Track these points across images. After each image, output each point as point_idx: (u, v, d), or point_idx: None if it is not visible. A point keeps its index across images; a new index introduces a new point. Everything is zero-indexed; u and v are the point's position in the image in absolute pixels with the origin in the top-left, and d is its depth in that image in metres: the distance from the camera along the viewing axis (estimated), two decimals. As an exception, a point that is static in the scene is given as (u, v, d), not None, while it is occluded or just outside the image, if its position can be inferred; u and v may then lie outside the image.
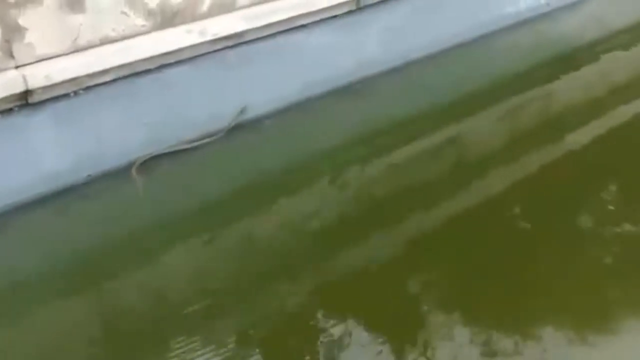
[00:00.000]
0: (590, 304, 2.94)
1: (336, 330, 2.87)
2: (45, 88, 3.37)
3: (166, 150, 3.75)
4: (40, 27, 3.32)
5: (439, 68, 4.65)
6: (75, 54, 3.46)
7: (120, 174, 3.67)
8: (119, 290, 3.12)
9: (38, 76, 3.33)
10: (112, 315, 3.00)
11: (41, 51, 3.36)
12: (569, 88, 4.65)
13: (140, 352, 2.83)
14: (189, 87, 3.86)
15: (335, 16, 4.25)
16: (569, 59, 4.88)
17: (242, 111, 3.96)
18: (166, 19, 3.68)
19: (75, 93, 3.52)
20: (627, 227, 3.36)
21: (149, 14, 3.61)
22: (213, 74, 3.90)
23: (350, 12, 4.31)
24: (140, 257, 3.24)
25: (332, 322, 2.91)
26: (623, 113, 4.30)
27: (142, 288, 3.11)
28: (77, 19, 3.43)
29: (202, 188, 3.64)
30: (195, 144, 3.83)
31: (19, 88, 3.28)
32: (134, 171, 3.62)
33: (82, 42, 3.48)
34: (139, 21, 3.60)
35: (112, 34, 3.55)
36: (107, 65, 3.52)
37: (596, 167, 3.84)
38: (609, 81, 4.77)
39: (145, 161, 3.68)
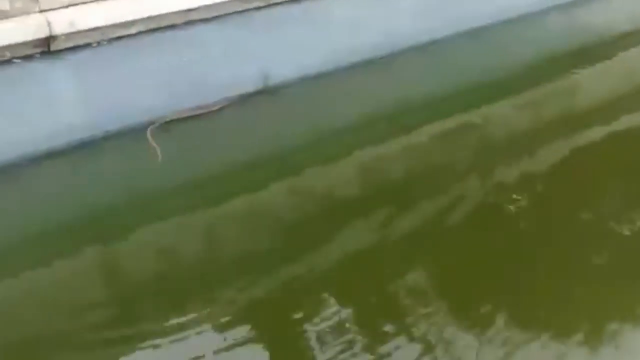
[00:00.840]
0: (590, 306, 2.88)
1: (331, 316, 2.78)
2: (68, 35, 3.23)
3: (185, 115, 3.67)
4: (67, -28, 3.18)
5: (468, 48, 4.57)
6: (102, 1, 3.32)
7: (137, 132, 3.59)
8: (123, 248, 3.05)
9: (62, 22, 3.19)
10: (114, 271, 2.96)
11: (67, -3, 3.22)
12: (593, 80, 4.57)
13: (142, 310, 2.77)
14: (214, 48, 3.75)
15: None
16: (598, 50, 4.80)
17: (265, 77, 3.85)
18: (196, -26, 3.53)
19: (99, 43, 3.39)
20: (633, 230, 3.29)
21: (180, -34, 3.47)
22: (239, 36, 3.79)
23: (381, -17, 4.18)
24: (148, 217, 3.17)
25: (325, 307, 2.82)
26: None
27: (147, 247, 3.05)
28: (104, -34, 3.29)
29: (217, 154, 3.56)
30: (214, 108, 3.73)
31: (42, 33, 3.14)
32: (149, 134, 3.52)
33: (107, -10, 3.33)
34: (168, -27, 3.46)
35: (140, -15, 3.41)
36: (133, 17, 3.38)
37: (614, 165, 3.77)
38: (634, 75, 4.68)
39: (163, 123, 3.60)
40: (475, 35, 4.64)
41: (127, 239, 3.08)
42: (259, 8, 3.77)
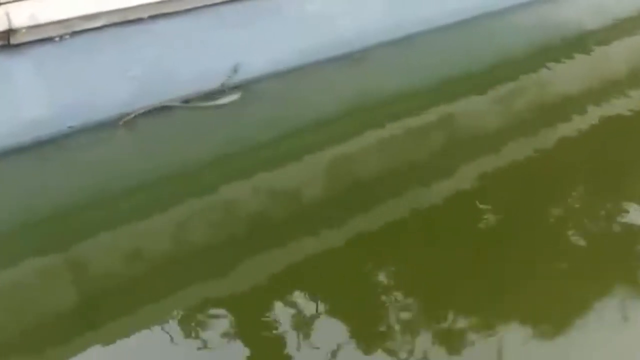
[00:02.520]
0: (562, 303, 2.86)
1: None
2: (29, 28, 3.15)
3: (152, 108, 3.58)
4: (28, -37, 3.09)
5: (439, 44, 4.55)
6: (64, -6, 3.23)
7: (103, 127, 3.52)
8: (88, 246, 2.98)
9: (22, 15, 3.11)
10: (81, 271, 2.89)
11: (27, -12, 3.13)
12: (566, 74, 4.59)
13: (110, 308, 2.72)
14: (182, 42, 3.69)
15: (338, -20, 4.07)
16: (570, 44, 4.82)
17: (235, 71, 3.79)
18: (163, -34, 3.46)
19: (61, 37, 3.30)
20: (611, 223, 3.31)
21: (146, -42, 3.40)
22: (208, 30, 3.73)
23: (353, -23, 4.14)
24: (114, 214, 3.12)
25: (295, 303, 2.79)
26: (618, 104, 4.25)
27: (112, 245, 2.98)
28: (68, -44, 3.20)
29: (184, 150, 3.49)
30: (178, 103, 3.67)
31: (1, 26, 3.05)
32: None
33: (71, -18, 3.24)
34: (134, -35, 3.38)
35: (104, -23, 3.33)
36: (98, 9, 3.31)
37: (585, 161, 3.78)
38: (607, 69, 4.72)
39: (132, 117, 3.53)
40: (447, 31, 4.62)
41: (93, 236, 3.01)
42: (229, 2, 3.71)
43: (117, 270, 2.86)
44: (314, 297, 2.79)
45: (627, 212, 3.35)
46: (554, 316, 2.77)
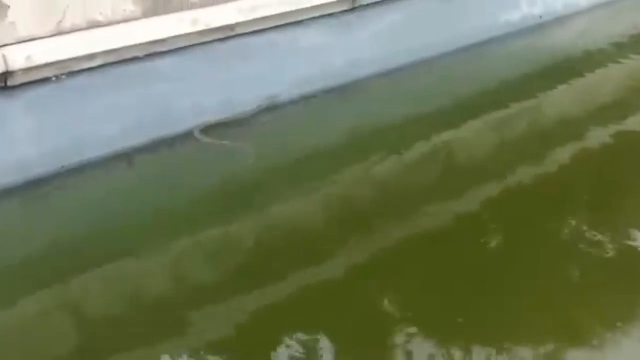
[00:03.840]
0: (561, 321, 2.87)
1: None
2: (25, 70, 3.18)
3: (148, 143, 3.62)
4: (24, 8, 3.14)
5: (430, 74, 4.61)
6: (60, 36, 3.28)
7: (99, 165, 3.53)
8: (85, 285, 2.98)
9: (19, 57, 3.14)
10: (75, 310, 2.89)
11: (24, 32, 3.18)
12: (557, 101, 4.64)
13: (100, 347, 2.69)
14: (176, 79, 3.72)
15: (330, 15, 4.14)
16: (559, 72, 4.88)
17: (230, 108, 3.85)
18: (158, 6, 3.52)
19: (58, 78, 3.34)
20: (606, 245, 3.32)
21: (140, -1, 3.45)
22: (203, 67, 3.77)
23: (345, 12, 4.20)
24: (109, 252, 3.09)
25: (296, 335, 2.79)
26: (608, 128, 4.29)
27: (109, 284, 2.98)
28: (64, 1, 3.25)
29: (182, 187, 3.50)
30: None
31: (-2, 69, 3.09)
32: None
33: (67, 24, 3.29)
34: (129, 6, 3.44)
35: (100, 18, 3.38)
36: (92, 50, 3.35)
37: (579, 183, 3.81)
38: (596, 96, 4.77)
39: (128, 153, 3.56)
40: (438, 62, 4.68)
41: (87, 276, 3.00)
42: (223, 39, 3.75)
43: (111, 311, 2.84)
44: (313, 337, 2.79)
45: (627, 235, 3.37)
46: (556, 340, 2.78)
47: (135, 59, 3.52)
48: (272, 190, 3.55)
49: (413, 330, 2.80)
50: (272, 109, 4.02)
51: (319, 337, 2.74)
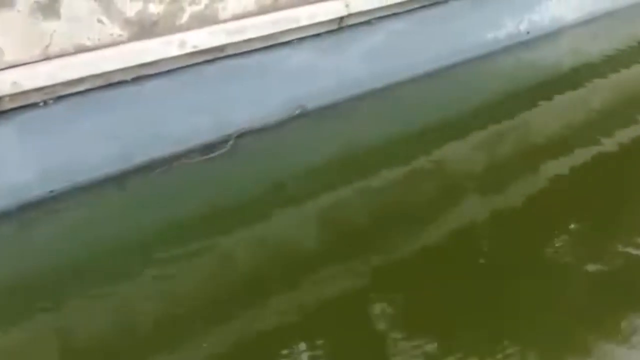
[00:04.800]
0: (557, 338, 2.86)
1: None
2: (12, 96, 3.18)
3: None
4: (10, 33, 3.14)
5: (419, 92, 4.63)
6: (47, 61, 3.27)
7: (89, 189, 3.54)
8: (75, 309, 2.97)
9: (5, 83, 3.14)
10: (65, 335, 2.87)
11: (10, 57, 3.18)
12: (547, 116, 4.65)
13: None
14: (165, 102, 3.73)
15: (317, 35, 4.16)
16: (548, 88, 4.89)
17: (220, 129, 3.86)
18: (144, 29, 3.53)
19: (45, 103, 3.34)
20: (602, 262, 3.31)
21: (127, 23, 3.46)
22: (191, 89, 3.77)
23: (332, 32, 4.22)
24: (102, 278, 3.10)
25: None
26: (598, 143, 4.29)
27: (100, 308, 2.97)
28: (51, 25, 3.26)
29: (172, 207, 3.51)
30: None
31: (-15, 96, 3.09)
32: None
33: (54, 49, 3.30)
34: (116, 30, 3.44)
35: (87, 43, 3.38)
36: (80, 75, 3.34)
37: (571, 198, 3.80)
38: (584, 111, 4.78)
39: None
40: (425, 80, 4.71)
41: (75, 301, 3.01)
42: (211, 61, 3.77)
43: (103, 336, 2.83)
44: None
45: (619, 249, 3.36)
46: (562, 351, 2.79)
47: (123, 82, 3.52)
48: (264, 210, 3.54)
49: (406, 344, 2.79)
50: (261, 129, 4.04)
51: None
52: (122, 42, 3.47)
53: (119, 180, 3.65)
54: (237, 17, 3.81)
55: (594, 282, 3.18)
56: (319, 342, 2.83)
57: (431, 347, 2.79)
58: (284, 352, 2.77)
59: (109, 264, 3.16)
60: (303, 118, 4.18)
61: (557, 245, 3.42)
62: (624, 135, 4.36)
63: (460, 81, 4.80)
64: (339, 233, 3.44)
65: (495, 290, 3.07)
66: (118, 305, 2.99)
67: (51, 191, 3.44)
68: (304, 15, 4.02)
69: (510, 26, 5.12)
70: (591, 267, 3.26)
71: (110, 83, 3.48)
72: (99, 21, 3.38)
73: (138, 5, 3.47)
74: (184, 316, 2.91)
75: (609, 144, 4.25)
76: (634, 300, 3.07)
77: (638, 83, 5.13)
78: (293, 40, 4.06)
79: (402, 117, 4.39)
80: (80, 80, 3.36)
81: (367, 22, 4.38)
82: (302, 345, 2.81)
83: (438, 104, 4.54)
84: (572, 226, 3.57)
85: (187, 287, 3.09)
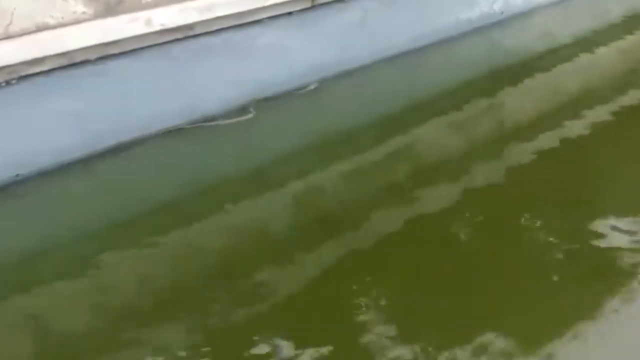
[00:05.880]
0: (532, 317, 2.85)
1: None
2: (-28, 76, 3.07)
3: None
4: (-33, 10, 3.03)
5: (393, 73, 4.60)
6: (8, 40, 3.16)
7: (55, 173, 3.45)
8: (43, 296, 2.90)
9: (-35, 63, 3.03)
10: (32, 322, 2.78)
11: (-32, 36, 3.06)
12: (520, 98, 4.64)
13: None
14: (132, 82, 3.63)
15: (289, 13, 4.08)
16: (521, 68, 4.88)
17: (190, 111, 3.78)
18: (110, 7, 3.42)
19: (8, 83, 3.22)
20: (571, 242, 3.30)
21: (91, 0, 3.35)
22: (159, 69, 3.68)
23: (305, 10, 4.15)
24: (66, 262, 3.04)
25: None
26: (570, 124, 4.30)
27: (67, 293, 2.90)
28: (11, 3, 3.14)
29: (140, 192, 3.46)
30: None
31: (-58, 75, 2.97)
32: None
33: (15, 28, 3.18)
34: (80, 8, 3.34)
35: (50, 21, 3.27)
36: (43, 54, 3.23)
37: (542, 180, 3.79)
38: (558, 91, 4.78)
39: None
40: (399, 60, 4.67)
41: (41, 287, 2.93)
42: (177, 40, 3.67)
43: (71, 322, 2.76)
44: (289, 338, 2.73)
45: (595, 229, 3.36)
46: (531, 333, 2.76)
47: (87, 62, 3.42)
48: (235, 193, 3.48)
49: (383, 332, 2.76)
50: (234, 111, 3.96)
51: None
52: (87, 20, 3.37)
53: (86, 163, 3.56)
54: (206, -5, 3.72)
55: (563, 263, 3.16)
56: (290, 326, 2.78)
57: (406, 331, 2.76)
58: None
59: (74, 249, 3.09)
60: (274, 101, 4.11)
61: (527, 227, 3.39)
62: (600, 114, 4.36)
63: (434, 62, 4.77)
64: (311, 218, 3.39)
65: (467, 272, 3.04)
66: (84, 290, 2.91)
67: (17, 175, 3.33)
68: (276, -7, 3.95)
69: (485, 6, 5.09)
70: (561, 248, 3.24)
71: (74, 62, 3.38)
72: (62, -2, 3.27)
73: (103, -18, 3.37)
74: (153, 301, 2.86)
75: (584, 124, 4.25)
76: (604, 280, 3.07)
77: (610, 63, 5.14)
78: (264, 18, 3.98)
79: (375, 98, 4.35)
80: (42, 60, 3.25)
81: (340, 1, 4.31)
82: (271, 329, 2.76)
83: (411, 85, 4.52)
84: (543, 208, 3.55)
85: (156, 271, 3.02)
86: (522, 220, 3.41)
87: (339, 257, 3.12)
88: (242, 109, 4.01)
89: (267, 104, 4.10)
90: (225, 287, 2.94)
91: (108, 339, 2.69)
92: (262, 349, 2.64)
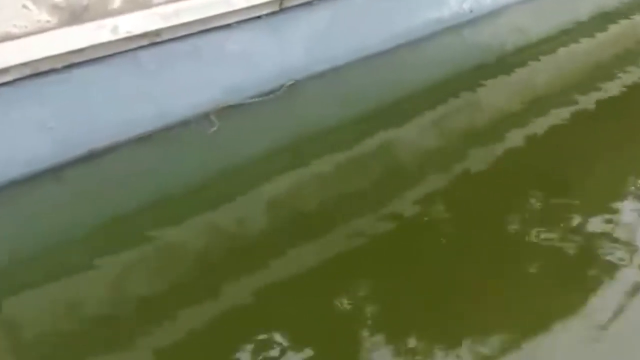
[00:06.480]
0: (517, 312, 2.91)
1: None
2: None
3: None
4: None
5: (364, 74, 4.60)
6: (-31, 51, 3.13)
7: (24, 183, 3.42)
8: (14, 306, 2.90)
9: None
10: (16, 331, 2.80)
11: None
12: (493, 95, 4.66)
13: None
14: (99, 90, 3.61)
15: (258, 17, 4.07)
16: (492, 66, 4.91)
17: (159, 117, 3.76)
18: (75, 15, 3.40)
19: (-30, 94, 3.20)
20: (552, 234, 3.34)
21: (55, 8, 3.33)
22: (126, 76, 3.66)
23: (273, 13, 4.14)
24: (41, 270, 3.04)
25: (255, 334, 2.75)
26: (544, 120, 4.33)
27: (38, 304, 2.90)
28: (-28, 12, 3.12)
29: (113, 198, 3.44)
30: None
31: None
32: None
33: (-23, 37, 3.16)
34: (44, 16, 3.31)
35: (14, 30, 3.25)
36: (7, 64, 3.21)
37: (522, 174, 3.83)
38: (530, 88, 4.82)
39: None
40: (373, 60, 4.67)
41: (12, 298, 2.92)
42: (145, 46, 3.66)
43: (46, 333, 2.75)
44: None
45: (571, 221, 3.41)
46: (515, 326, 2.81)
47: (53, 71, 3.39)
48: (208, 198, 3.49)
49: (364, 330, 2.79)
50: (203, 117, 3.95)
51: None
52: (51, 29, 3.34)
53: (57, 172, 3.53)
54: (173, 0, 3.71)
55: (546, 255, 3.21)
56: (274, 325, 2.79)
57: (387, 330, 2.79)
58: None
59: (45, 259, 3.09)
60: (243, 105, 4.09)
61: (510, 220, 3.44)
62: (571, 110, 4.40)
63: (405, 63, 4.78)
64: (287, 218, 3.41)
65: (451, 267, 3.08)
66: (56, 299, 2.92)
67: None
68: (243, -3, 3.94)
69: (454, 5, 5.11)
70: (544, 240, 3.29)
71: (39, 72, 3.35)
72: (25, 7, 3.24)
73: (66, -10, 3.34)
74: (128, 308, 2.87)
75: (552, 121, 4.30)
76: (590, 271, 3.13)
77: (580, 61, 5.19)
78: (232, 23, 3.97)
79: (347, 100, 4.35)
80: (6, 70, 3.23)
81: (309, 3, 4.31)
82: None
83: (383, 86, 4.51)
84: (521, 204, 3.59)
85: (130, 280, 3.03)
86: (501, 215, 3.45)
87: (314, 259, 3.13)
88: (212, 114, 3.99)
89: (238, 108, 4.09)
90: (202, 291, 2.94)
91: (81, 348, 2.69)
92: (242, 349, 2.66)
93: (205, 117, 3.98)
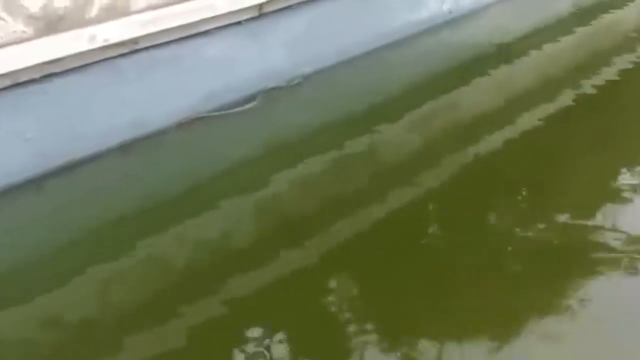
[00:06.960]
0: (505, 311, 2.91)
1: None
2: None
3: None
4: None
5: (345, 77, 4.61)
6: (-55, 63, 3.10)
7: (6, 194, 3.39)
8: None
9: None
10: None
11: None
12: (474, 95, 4.69)
13: None
14: (80, 99, 3.58)
15: (238, 23, 4.07)
16: (473, 66, 4.93)
17: (140, 125, 3.74)
18: (51, 25, 3.37)
19: (-52, 107, 3.16)
20: (538, 233, 3.36)
21: (31, 18, 3.30)
22: (105, 85, 3.64)
23: (252, 19, 4.14)
24: (22, 283, 3.00)
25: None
26: (525, 118, 4.36)
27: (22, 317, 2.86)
28: (-53, 24, 3.09)
29: (93, 209, 3.40)
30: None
31: None
32: None
33: (-47, 50, 3.13)
34: (20, 27, 3.28)
35: (-11, 41, 3.22)
36: (-17, 76, 3.18)
37: (504, 173, 3.86)
38: (511, 87, 4.85)
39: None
40: (354, 63, 4.68)
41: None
42: (123, 55, 3.64)
43: (28, 345, 2.72)
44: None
45: (553, 219, 3.42)
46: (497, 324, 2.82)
47: (31, 81, 3.37)
48: (191, 205, 3.46)
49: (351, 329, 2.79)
50: (182, 124, 3.93)
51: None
52: (28, 39, 3.31)
53: (37, 183, 3.50)
54: (151, 7, 3.69)
55: (529, 252, 3.22)
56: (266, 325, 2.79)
57: (376, 331, 2.80)
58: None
59: (29, 270, 3.05)
60: (223, 111, 4.08)
61: (493, 218, 3.48)
62: (551, 109, 4.43)
63: (387, 64, 4.80)
64: (266, 226, 3.40)
65: (434, 266, 3.09)
66: (36, 315, 2.87)
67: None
68: (222, 3, 3.92)
69: (433, 6, 5.14)
70: (526, 237, 3.31)
71: (17, 83, 3.33)
72: (0, 18, 3.22)
73: (42, 0, 3.32)
74: (110, 321, 2.83)
75: (534, 118, 4.33)
76: (570, 267, 3.15)
77: (560, 59, 5.23)
78: (212, 29, 3.96)
79: (329, 103, 4.36)
80: (-16, 81, 3.20)
81: (289, 7, 4.32)
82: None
83: (365, 88, 4.53)
84: (507, 200, 3.62)
85: (114, 291, 3.00)
86: (485, 216, 3.47)
87: (298, 265, 3.12)
88: (193, 121, 3.98)
89: (218, 114, 4.08)
90: (189, 298, 2.92)
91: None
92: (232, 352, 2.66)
93: (186, 124, 3.96)
